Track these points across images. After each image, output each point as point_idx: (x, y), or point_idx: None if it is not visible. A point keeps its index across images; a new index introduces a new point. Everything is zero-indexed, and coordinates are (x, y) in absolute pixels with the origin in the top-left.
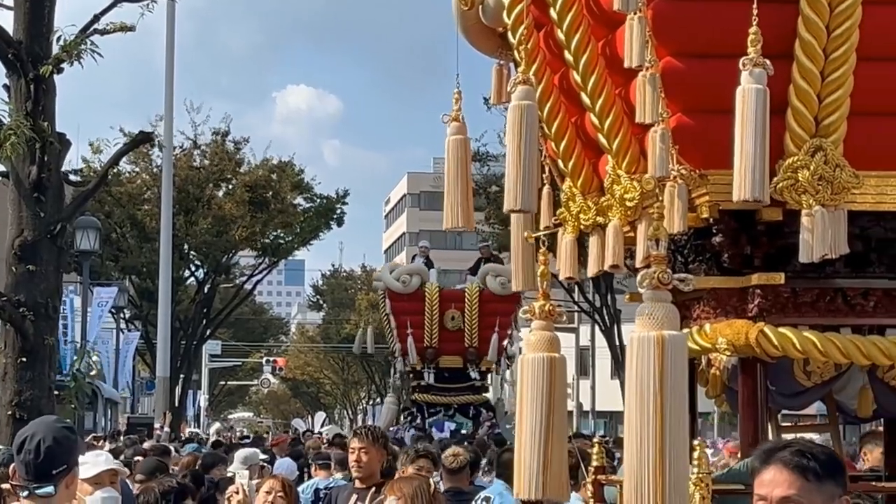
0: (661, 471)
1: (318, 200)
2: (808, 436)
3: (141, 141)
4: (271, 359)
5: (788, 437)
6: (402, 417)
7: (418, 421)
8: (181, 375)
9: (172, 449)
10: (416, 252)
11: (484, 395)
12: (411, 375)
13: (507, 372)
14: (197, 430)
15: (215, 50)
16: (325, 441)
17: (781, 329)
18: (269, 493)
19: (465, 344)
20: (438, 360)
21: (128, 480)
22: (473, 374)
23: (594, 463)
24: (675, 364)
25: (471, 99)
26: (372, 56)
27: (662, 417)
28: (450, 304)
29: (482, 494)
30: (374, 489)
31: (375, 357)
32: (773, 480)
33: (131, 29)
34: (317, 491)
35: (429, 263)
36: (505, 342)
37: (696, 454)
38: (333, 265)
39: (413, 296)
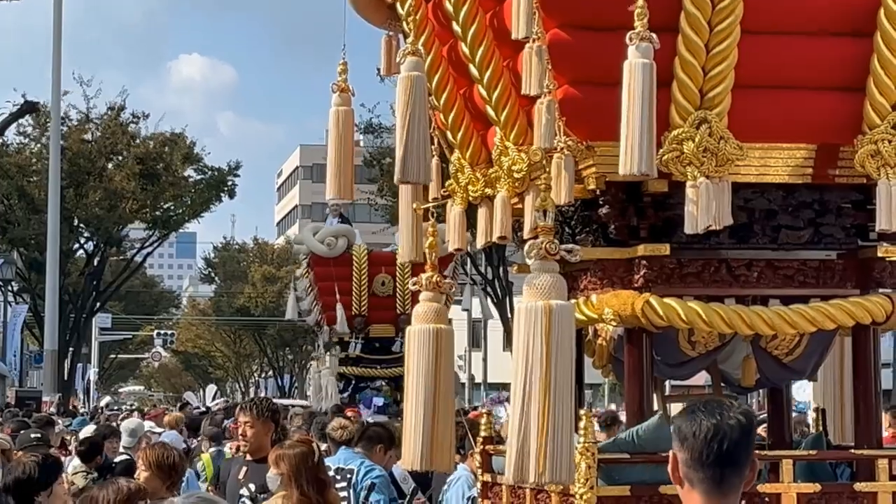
0: (545, 438)
1: (210, 172)
2: None
3: (26, 111)
4: (162, 332)
5: (675, 406)
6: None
7: (345, 395)
8: (70, 349)
9: (58, 422)
10: (328, 212)
11: None
12: (338, 347)
13: None
14: (81, 405)
15: (108, 18)
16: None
17: (667, 300)
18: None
19: (396, 311)
20: (368, 330)
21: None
22: (399, 346)
23: (482, 433)
24: (562, 333)
25: (366, 70)
26: (268, 25)
27: (548, 385)
28: (380, 268)
29: (336, 465)
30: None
31: (268, 330)
32: None
33: None
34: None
35: (345, 222)
36: None
37: (582, 423)
38: (225, 238)
39: (339, 259)
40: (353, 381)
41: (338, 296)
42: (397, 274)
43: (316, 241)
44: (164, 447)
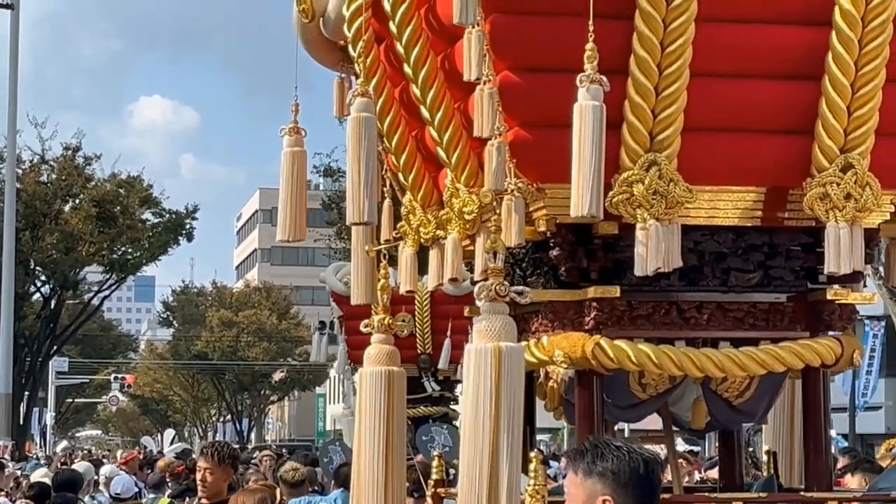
0: (494, 481)
1: (168, 215)
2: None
3: None
4: (120, 376)
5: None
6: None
7: None
8: (26, 393)
9: (9, 465)
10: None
11: (444, 407)
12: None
13: None
14: (39, 449)
15: (68, 59)
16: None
17: (617, 342)
18: None
19: (417, 350)
20: None
21: None
22: (430, 386)
23: (434, 476)
24: (511, 375)
25: (324, 114)
26: (231, 68)
27: (497, 428)
28: (399, 307)
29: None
30: None
31: (226, 374)
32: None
33: None
34: None
35: None
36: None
37: (532, 466)
38: (184, 281)
39: None
40: None
41: (345, 335)
42: (416, 313)
43: (336, 280)
44: None
